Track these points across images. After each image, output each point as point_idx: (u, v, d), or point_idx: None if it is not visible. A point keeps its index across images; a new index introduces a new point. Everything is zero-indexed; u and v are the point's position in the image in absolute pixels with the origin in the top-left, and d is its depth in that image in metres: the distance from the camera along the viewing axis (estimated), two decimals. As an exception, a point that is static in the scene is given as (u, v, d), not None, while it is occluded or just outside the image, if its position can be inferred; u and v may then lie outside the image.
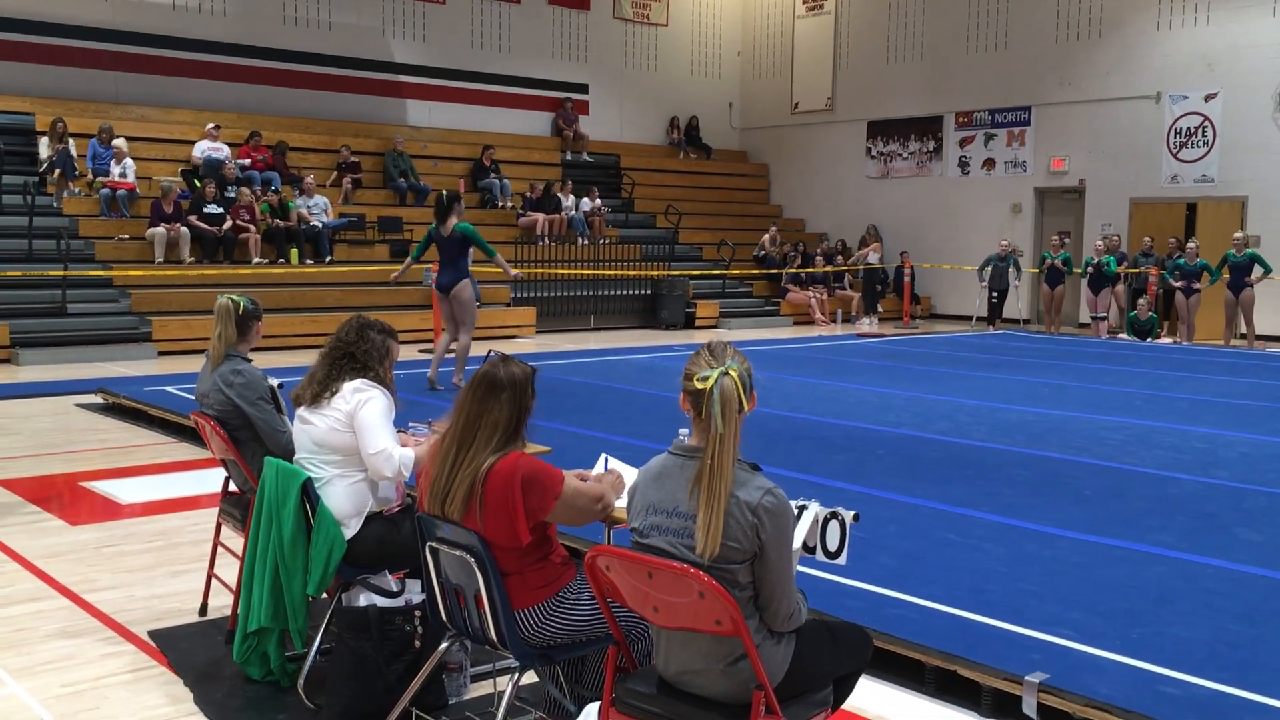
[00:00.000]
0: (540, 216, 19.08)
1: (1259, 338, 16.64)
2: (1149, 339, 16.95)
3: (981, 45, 21.15)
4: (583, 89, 22.81)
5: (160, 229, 14.97)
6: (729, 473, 2.62)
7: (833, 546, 3.00)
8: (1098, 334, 17.68)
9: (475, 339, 15.83)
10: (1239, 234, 16.73)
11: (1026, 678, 3.72)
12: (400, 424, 4.10)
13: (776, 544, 2.65)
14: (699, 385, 2.66)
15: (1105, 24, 19.39)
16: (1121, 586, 4.80)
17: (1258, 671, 3.86)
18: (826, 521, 3.00)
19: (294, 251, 16.13)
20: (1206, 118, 18.32)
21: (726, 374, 2.66)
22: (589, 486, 3.35)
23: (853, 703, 3.57)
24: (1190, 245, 17.05)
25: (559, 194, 19.80)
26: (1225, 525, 5.93)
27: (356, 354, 4.00)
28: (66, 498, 6.80)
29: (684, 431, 2.86)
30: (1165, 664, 3.89)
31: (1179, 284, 17.02)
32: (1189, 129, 18.54)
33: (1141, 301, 17.21)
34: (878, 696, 3.95)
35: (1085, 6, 19.61)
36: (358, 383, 3.94)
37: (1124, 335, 17.43)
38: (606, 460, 3.88)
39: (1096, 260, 17.69)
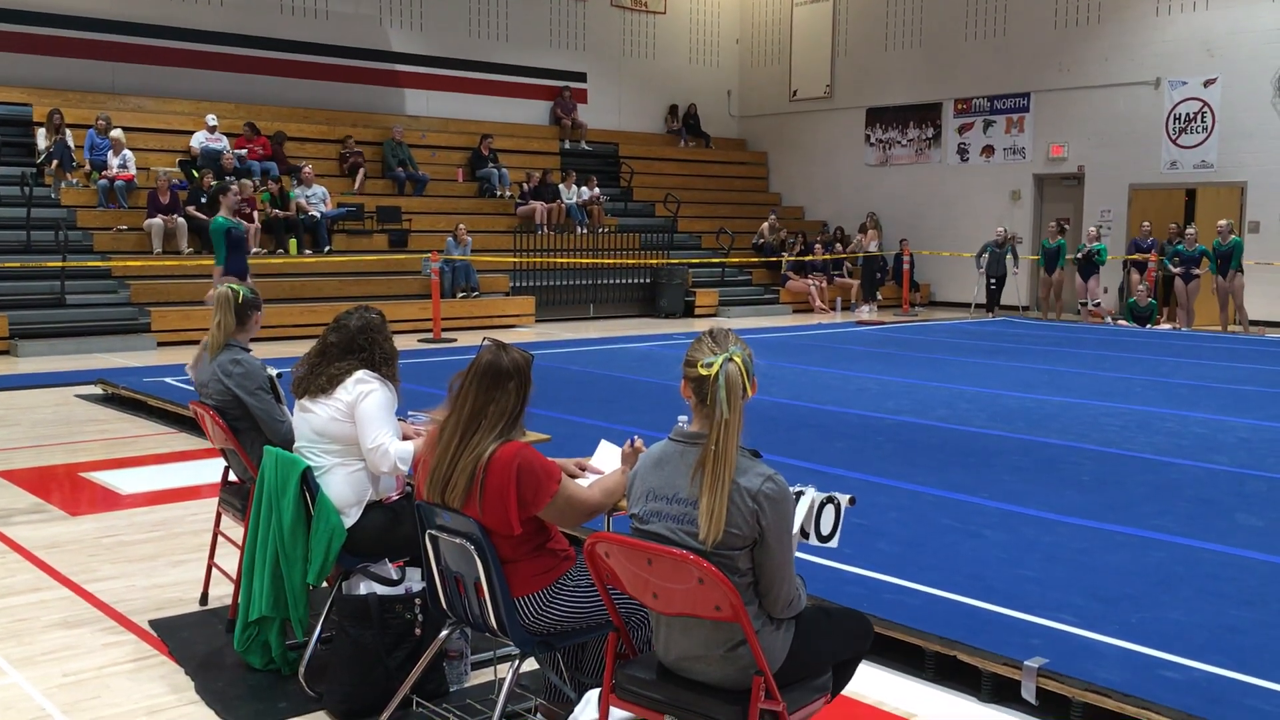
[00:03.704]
0: (539, 205, 19.06)
1: (1255, 323, 16.66)
2: (1148, 325, 16.96)
3: (980, 32, 21.09)
4: (581, 77, 22.75)
5: (157, 220, 14.95)
6: (733, 458, 2.62)
7: (825, 530, 2.99)
8: (1101, 317, 17.71)
9: (470, 328, 15.92)
10: (1223, 222, 16.76)
11: (1026, 663, 3.72)
12: (400, 413, 4.10)
13: (777, 530, 2.66)
14: (703, 371, 2.66)
15: (1104, 10, 19.33)
16: (1121, 571, 4.80)
17: (1258, 656, 3.86)
18: (822, 506, 2.99)
19: (293, 241, 16.12)
20: (1205, 103, 18.28)
21: (731, 359, 2.66)
22: (586, 496, 3.28)
23: (853, 688, 3.57)
24: (1189, 231, 17.06)
25: (558, 183, 19.77)
26: (1225, 510, 5.94)
27: (362, 346, 3.98)
28: (67, 488, 6.80)
29: (683, 418, 2.86)
30: (1165, 648, 3.90)
31: (1178, 270, 17.03)
32: (1188, 114, 18.49)
33: (1141, 287, 17.22)
34: (878, 682, 3.96)
35: (1084, -8, 19.57)
36: (361, 374, 3.93)
37: (1121, 321, 17.43)
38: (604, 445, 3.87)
39: (1088, 247, 17.71)
